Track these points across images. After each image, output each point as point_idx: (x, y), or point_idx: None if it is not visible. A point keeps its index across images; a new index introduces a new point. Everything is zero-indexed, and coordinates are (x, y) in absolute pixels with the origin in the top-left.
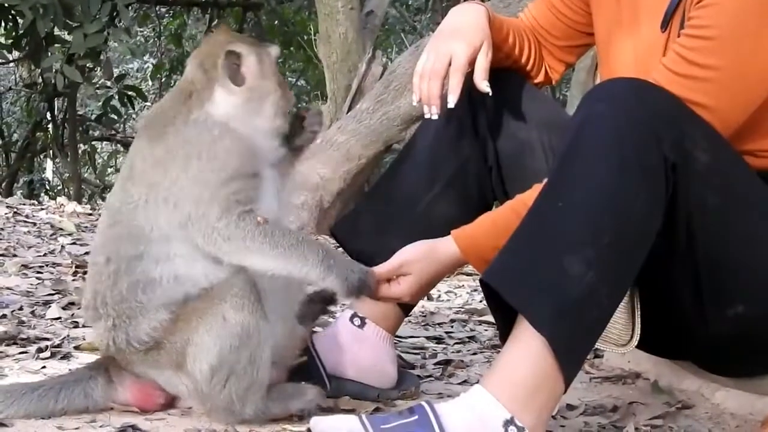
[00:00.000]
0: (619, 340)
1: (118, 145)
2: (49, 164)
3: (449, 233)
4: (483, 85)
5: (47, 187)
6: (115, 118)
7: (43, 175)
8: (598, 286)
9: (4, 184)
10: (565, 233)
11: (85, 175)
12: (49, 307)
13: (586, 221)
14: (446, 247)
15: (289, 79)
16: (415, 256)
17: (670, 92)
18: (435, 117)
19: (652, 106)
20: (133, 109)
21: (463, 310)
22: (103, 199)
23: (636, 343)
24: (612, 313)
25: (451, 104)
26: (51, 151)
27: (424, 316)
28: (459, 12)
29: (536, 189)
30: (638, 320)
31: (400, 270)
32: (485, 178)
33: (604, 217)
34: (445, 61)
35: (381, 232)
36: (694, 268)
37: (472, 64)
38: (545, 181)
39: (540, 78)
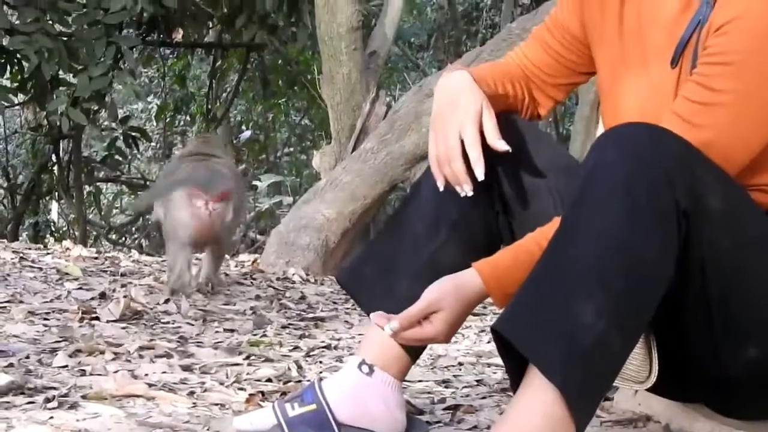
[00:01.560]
0: (637, 377)
1: (123, 186)
2: (54, 206)
3: None
4: (500, 144)
5: (52, 229)
6: (120, 159)
7: (48, 217)
8: (610, 332)
9: (9, 227)
10: (575, 280)
11: (90, 216)
12: (56, 354)
13: (597, 268)
14: (470, 279)
15: (293, 118)
16: (442, 293)
17: (680, 137)
18: (470, 193)
19: (663, 151)
20: (138, 150)
21: (471, 352)
22: (109, 240)
23: (655, 379)
24: (625, 358)
25: (480, 177)
26: (56, 193)
27: (432, 359)
28: (446, 85)
29: (557, 222)
30: (655, 356)
31: (430, 308)
32: (492, 223)
33: (614, 264)
34: (457, 140)
35: (386, 279)
36: (707, 310)
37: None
38: (558, 225)
39: (527, 115)
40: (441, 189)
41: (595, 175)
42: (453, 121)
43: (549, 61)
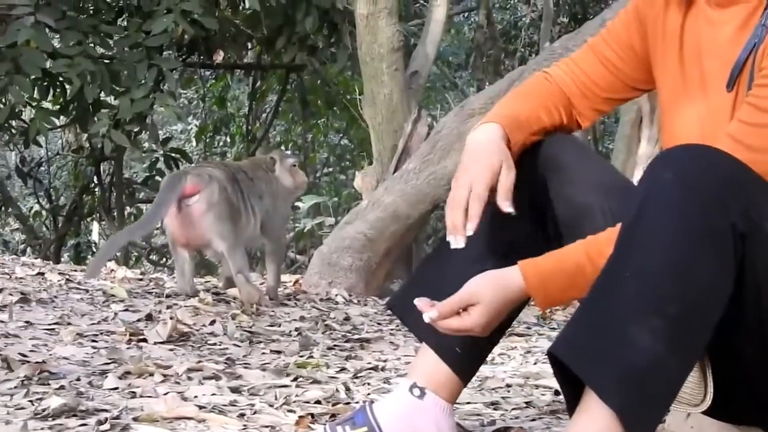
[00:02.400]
0: (692, 400)
1: None
2: (95, 227)
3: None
4: (505, 205)
5: (94, 250)
6: (161, 180)
7: (89, 238)
8: (666, 355)
9: (52, 248)
10: (631, 303)
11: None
12: (106, 376)
13: (653, 290)
14: (513, 276)
15: (332, 138)
16: (482, 285)
17: (737, 159)
18: (461, 246)
19: (718, 173)
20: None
21: (518, 373)
22: (150, 261)
23: (710, 402)
24: (683, 381)
25: (469, 232)
26: (98, 214)
27: (480, 380)
28: (474, 139)
29: (611, 233)
30: (710, 379)
31: (469, 300)
32: (543, 248)
33: (670, 287)
34: (465, 191)
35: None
36: (762, 333)
37: (495, 187)
38: (609, 236)
39: (567, 129)
40: (447, 238)
41: (649, 196)
42: (468, 175)
43: (605, 74)
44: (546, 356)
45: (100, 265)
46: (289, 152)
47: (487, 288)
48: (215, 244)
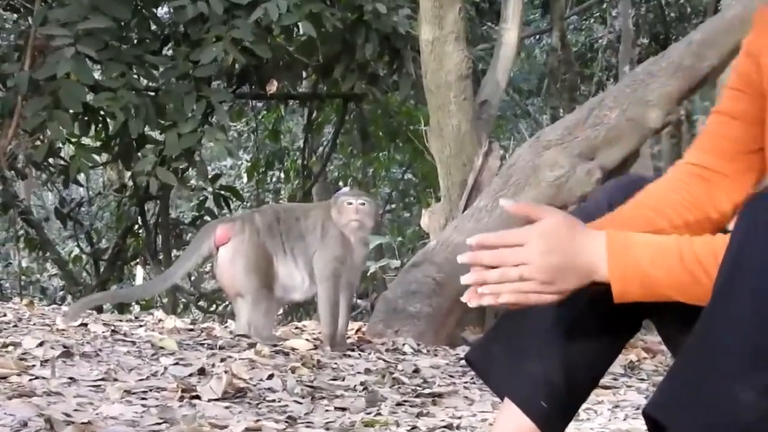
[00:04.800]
0: None
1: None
2: (139, 272)
3: (596, 357)
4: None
5: None
6: (211, 221)
7: (133, 284)
8: None
9: None
10: (733, 356)
11: (179, 282)
12: None
13: (759, 342)
14: (593, 232)
15: (395, 172)
16: (551, 212)
17: None
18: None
19: None
20: (230, 210)
21: (606, 431)
22: (200, 309)
23: None
24: None
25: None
26: (142, 258)
27: None
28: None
29: (719, 239)
30: None
31: (534, 214)
32: None
33: None
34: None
35: (518, 358)
36: None
37: None
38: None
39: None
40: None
41: (750, 237)
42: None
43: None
44: (639, 413)
45: (83, 310)
46: (359, 191)
47: (558, 220)
48: (243, 294)
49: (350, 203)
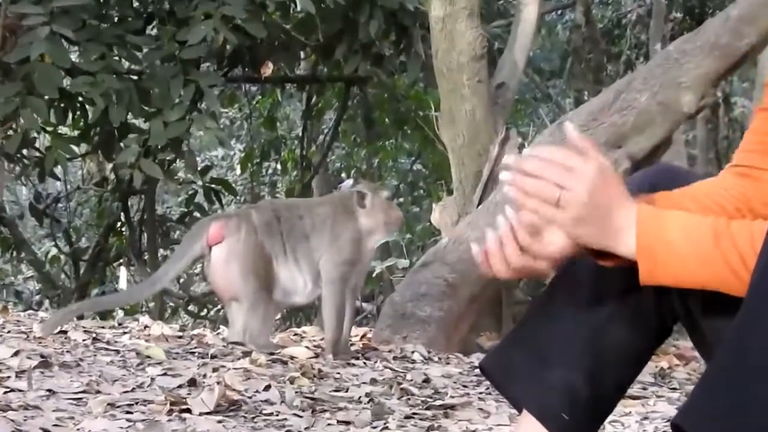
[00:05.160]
0: None
1: None
2: (123, 273)
3: (623, 365)
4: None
5: None
6: (201, 217)
7: (116, 286)
8: None
9: (73, 299)
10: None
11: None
12: None
13: None
14: (628, 203)
15: (401, 163)
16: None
17: None
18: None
19: None
20: (221, 205)
21: None
22: (189, 313)
23: None
24: None
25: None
26: (126, 258)
27: None
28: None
29: (759, 224)
30: None
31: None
32: (662, 294)
33: None
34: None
35: (538, 366)
36: None
37: None
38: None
39: None
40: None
41: None
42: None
43: None
44: (668, 425)
45: (62, 322)
46: (378, 184)
47: (612, 170)
48: (239, 298)
49: (390, 198)
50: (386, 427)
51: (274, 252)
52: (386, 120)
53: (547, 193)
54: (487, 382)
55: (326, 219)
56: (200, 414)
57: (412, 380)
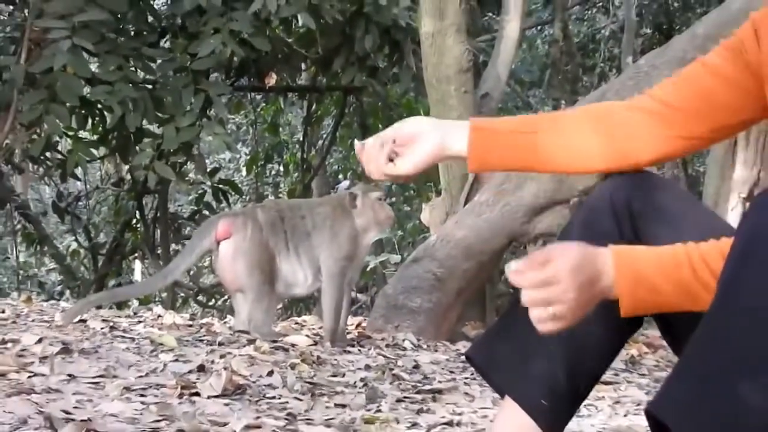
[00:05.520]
0: None
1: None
2: (138, 267)
3: (601, 354)
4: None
5: None
6: (209, 215)
7: (132, 278)
8: None
9: (92, 290)
10: (740, 355)
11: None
12: None
13: (764, 342)
14: (602, 255)
15: None
16: (567, 247)
17: None
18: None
19: None
20: (228, 204)
21: (607, 427)
22: (198, 303)
23: None
24: None
25: None
26: (141, 253)
27: None
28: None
29: (721, 244)
30: None
31: (550, 255)
32: None
33: None
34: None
35: (520, 357)
36: None
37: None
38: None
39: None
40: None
41: (758, 236)
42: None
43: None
44: (640, 409)
45: (82, 312)
46: (372, 185)
47: (574, 252)
48: (245, 290)
49: (381, 199)
50: (379, 410)
51: (277, 248)
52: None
53: (541, 309)
54: (472, 369)
55: (326, 218)
56: (208, 397)
57: (403, 366)
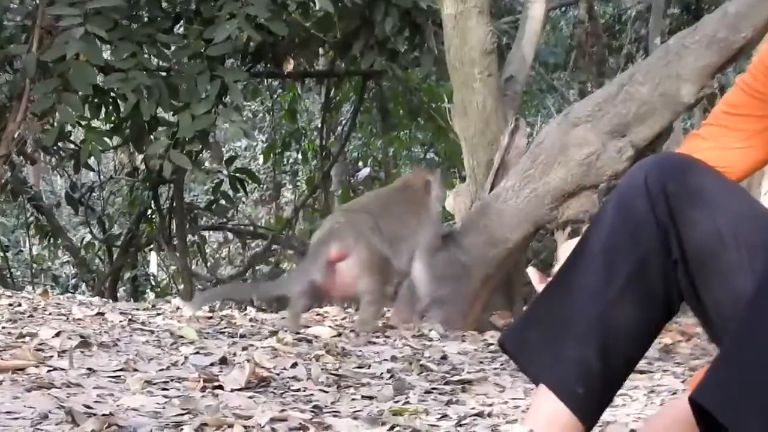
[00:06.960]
0: None
1: (229, 235)
2: (153, 258)
3: (633, 342)
4: None
5: (152, 283)
6: (227, 205)
7: (147, 270)
8: None
9: (107, 283)
10: None
11: (194, 268)
12: (181, 429)
13: None
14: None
15: (415, 152)
16: None
17: None
18: None
19: None
20: (245, 193)
21: (643, 417)
22: None
23: None
24: None
25: None
26: (156, 244)
27: (600, 426)
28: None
29: None
30: None
31: None
32: (670, 273)
33: None
34: None
35: (553, 342)
36: None
37: None
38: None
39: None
40: None
41: None
42: None
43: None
44: (674, 398)
45: (209, 301)
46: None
47: None
48: (362, 296)
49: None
50: (407, 401)
51: (387, 250)
52: (401, 112)
53: None
54: (502, 358)
55: (417, 202)
56: (232, 390)
57: (430, 357)
